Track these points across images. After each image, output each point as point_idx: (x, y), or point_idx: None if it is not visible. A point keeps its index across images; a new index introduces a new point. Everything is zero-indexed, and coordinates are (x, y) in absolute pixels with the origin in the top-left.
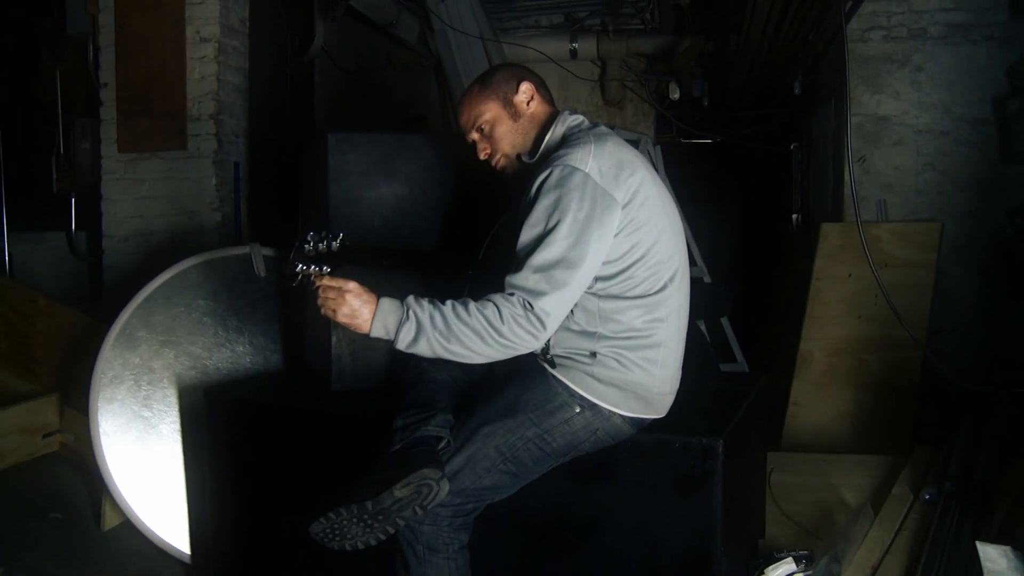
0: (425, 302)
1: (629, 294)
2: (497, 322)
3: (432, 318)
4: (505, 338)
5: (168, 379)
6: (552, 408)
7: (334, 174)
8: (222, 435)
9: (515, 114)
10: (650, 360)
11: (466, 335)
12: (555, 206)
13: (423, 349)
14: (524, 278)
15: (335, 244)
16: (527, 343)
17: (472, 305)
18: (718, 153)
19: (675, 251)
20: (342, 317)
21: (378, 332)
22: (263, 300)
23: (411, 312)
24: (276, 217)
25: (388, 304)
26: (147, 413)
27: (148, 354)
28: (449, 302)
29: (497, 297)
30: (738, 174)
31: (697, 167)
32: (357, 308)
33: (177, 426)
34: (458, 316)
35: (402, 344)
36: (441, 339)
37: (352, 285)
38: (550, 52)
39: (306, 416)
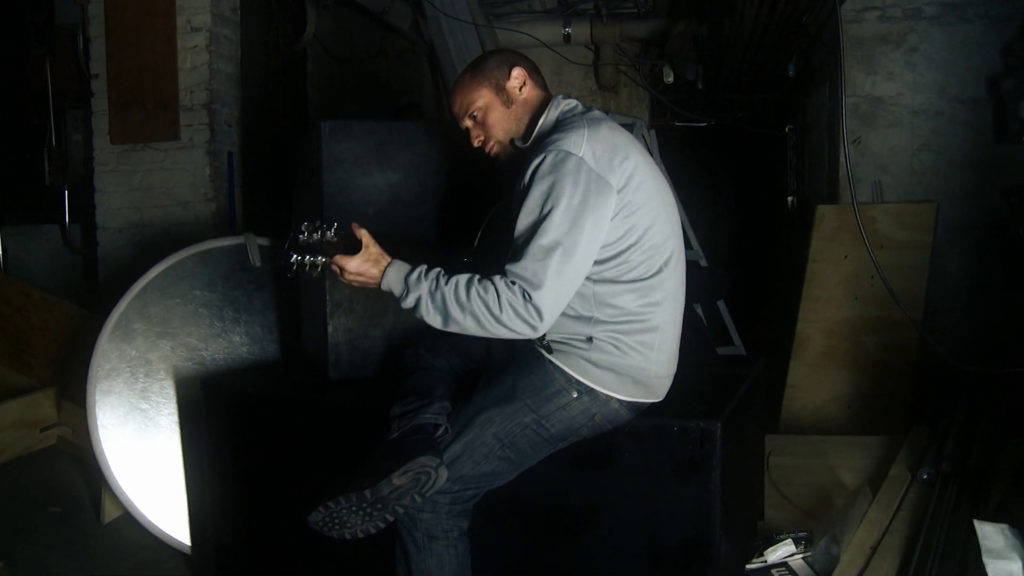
0: (426, 283)
1: (624, 278)
2: (496, 309)
3: (432, 296)
4: (503, 325)
5: (165, 370)
6: (549, 394)
7: (328, 162)
8: (220, 426)
9: (508, 100)
10: (646, 344)
11: (464, 319)
12: (549, 192)
13: (420, 318)
14: (523, 267)
15: (330, 233)
16: (524, 332)
17: (474, 289)
18: (713, 136)
19: (670, 235)
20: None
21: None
22: (259, 290)
23: (411, 296)
24: (270, 206)
25: (394, 275)
26: (145, 405)
27: (145, 346)
28: (452, 282)
29: (499, 282)
30: (733, 157)
31: (692, 151)
32: (365, 279)
33: (175, 417)
34: (457, 300)
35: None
36: (439, 317)
37: (356, 260)
38: (543, 37)
39: (304, 406)
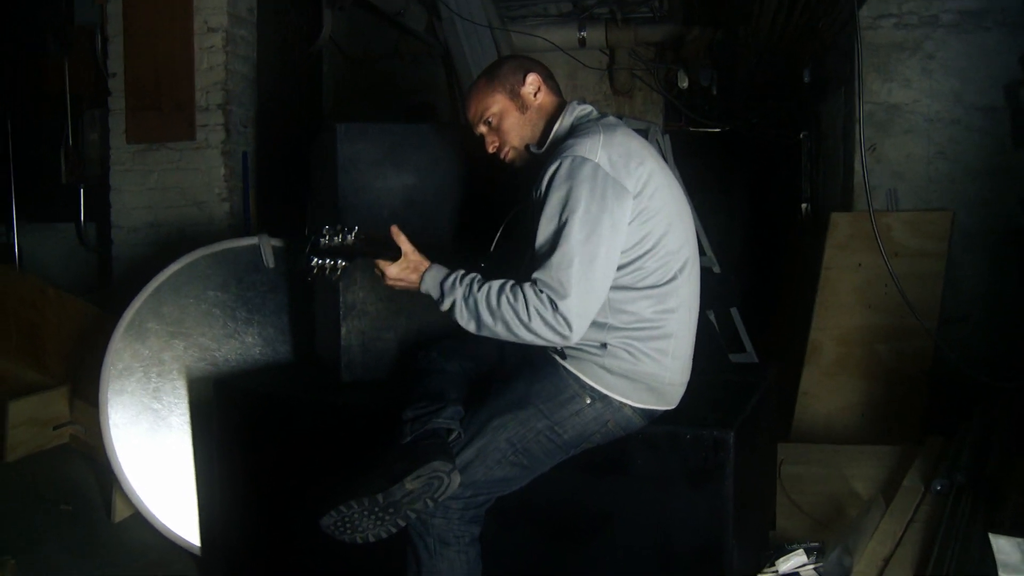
0: (460, 288)
1: (639, 285)
2: (524, 317)
3: (465, 301)
4: (533, 332)
5: (178, 370)
6: (563, 400)
7: (343, 164)
8: (232, 427)
9: (522, 106)
10: (661, 351)
11: (495, 325)
12: (567, 199)
13: (455, 322)
14: (548, 276)
15: (350, 237)
16: (554, 340)
17: (504, 296)
18: (727, 142)
19: (685, 241)
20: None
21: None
22: (272, 291)
23: (447, 300)
24: (285, 207)
25: (431, 280)
26: (157, 405)
27: (158, 345)
28: (485, 288)
29: (528, 290)
30: (747, 163)
31: (706, 156)
32: (406, 284)
33: (187, 418)
34: (488, 306)
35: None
36: (472, 322)
37: (397, 267)
38: (558, 41)
39: (316, 407)
